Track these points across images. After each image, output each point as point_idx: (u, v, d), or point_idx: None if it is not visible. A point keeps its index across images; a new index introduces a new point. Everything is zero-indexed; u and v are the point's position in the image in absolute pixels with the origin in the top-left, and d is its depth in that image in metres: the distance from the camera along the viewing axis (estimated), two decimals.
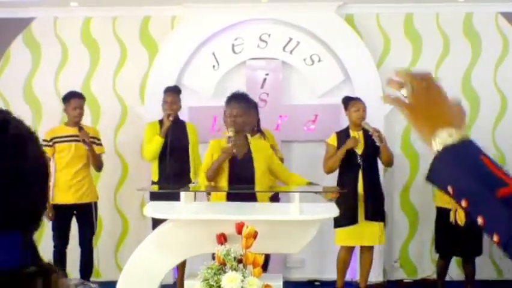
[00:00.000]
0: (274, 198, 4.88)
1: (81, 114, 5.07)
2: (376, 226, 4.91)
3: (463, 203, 0.99)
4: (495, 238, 0.95)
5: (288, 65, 5.74)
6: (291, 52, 5.67)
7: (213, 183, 4.13)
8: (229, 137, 4.06)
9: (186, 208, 3.57)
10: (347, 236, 4.91)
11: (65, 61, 5.86)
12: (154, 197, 4.85)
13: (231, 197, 4.11)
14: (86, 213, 5.08)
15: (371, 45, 5.60)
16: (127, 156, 5.88)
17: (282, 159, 5.13)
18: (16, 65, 5.84)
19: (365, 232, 4.90)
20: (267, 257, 5.23)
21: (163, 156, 5.05)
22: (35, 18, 5.84)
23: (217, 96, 5.70)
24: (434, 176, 1.04)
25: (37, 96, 5.83)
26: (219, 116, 5.55)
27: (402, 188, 5.82)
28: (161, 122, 5.13)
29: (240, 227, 3.19)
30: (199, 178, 4.27)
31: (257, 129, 5.04)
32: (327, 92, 5.66)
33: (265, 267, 5.27)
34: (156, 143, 4.99)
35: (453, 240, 4.92)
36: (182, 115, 5.72)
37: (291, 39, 5.65)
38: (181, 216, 3.53)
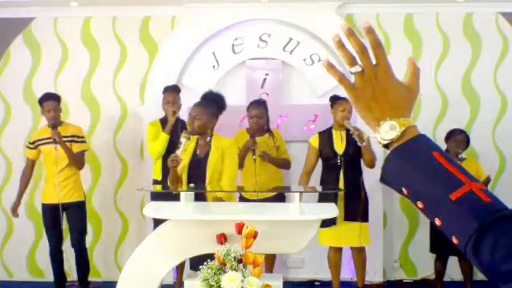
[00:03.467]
0: (279, 198, 4.91)
1: (56, 116, 5.07)
2: (355, 226, 4.86)
3: (419, 205, 0.93)
4: (455, 241, 0.91)
5: (288, 65, 5.74)
6: (291, 52, 5.67)
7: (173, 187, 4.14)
8: (179, 143, 3.97)
9: (186, 208, 3.57)
10: (328, 236, 4.89)
11: (65, 61, 5.86)
12: (155, 196, 4.86)
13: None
14: (72, 213, 5.09)
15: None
16: (127, 156, 5.88)
17: (288, 161, 5.22)
18: (16, 65, 5.84)
19: (344, 232, 4.87)
20: (273, 258, 5.25)
21: (166, 155, 5.05)
22: (35, 18, 5.84)
23: None
24: (387, 177, 0.98)
25: (37, 96, 5.81)
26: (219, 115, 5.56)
27: None
28: (162, 120, 5.13)
29: (240, 227, 3.19)
30: None
31: (266, 130, 5.10)
32: (327, 92, 5.65)
33: (271, 267, 5.28)
34: (162, 140, 4.99)
35: (448, 239, 4.85)
36: (182, 115, 5.74)
37: (291, 39, 5.65)
38: (181, 216, 3.53)
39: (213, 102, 4.20)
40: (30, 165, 5.22)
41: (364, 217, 4.92)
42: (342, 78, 1.02)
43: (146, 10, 5.79)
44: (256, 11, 5.70)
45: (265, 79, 5.73)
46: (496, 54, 5.77)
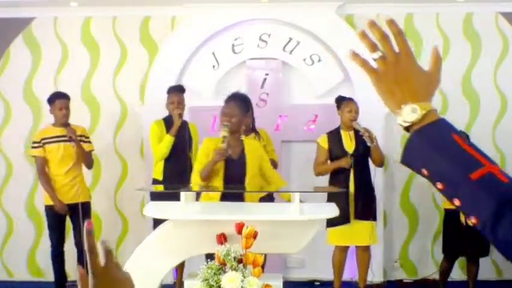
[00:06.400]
0: (269, 198, 4.86)
1: (67, 115, 5.05)
2: (367, 225, 4.89)
3: (439, 186, 0.96)
4: (473, 220, 0.93)
5: (288, 65, 5.74)
6: (291, 52, 5.67)
7: (204, 183, 4.09)
8: (223, 137, 4.00)
9: (186, 208, 3.57)
10: (339, 235, 4.90)
11: (65, 61, 5.86)
12: (155, 196, 4.86)
13: (225, 198, 4.09)
14: (78, 214, 5.07)
15: None
16: (127, 156, 5.88)
17: (275, 161, 5.09)
18: (16, 65, 5.84)
19: (356, 231, 4.89)
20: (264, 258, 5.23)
21: (169, 155, 5.05)
22: (35, 18, 5.84)
23: (217, 96, 5.70)
24: (407, 159, 1.01)
25: (37, 96, 5.83)
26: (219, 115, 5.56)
27: (402, 188, 5.82)
28: (165, 120, 5.11)
29: (240, 227, 3.20)
30: (192, 177, 4.20)
31: (251, 129, 5.01)
32: (327, 92, 5.66)
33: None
34: (168, 142, 4.98)
35: (462, 241, 4.89)
36: (184, 115, 5.73)
37: (291, 39, 5.65)
38: (181, 216, 3.53)
39: (243, 102, 4.19)
40: (43, 163, 5.03)
41: (374, 216, 4.94)
42: (364, 63, 1.05)
43: (146, 10, 5.78)
44: (256, 11, 5.70)
45: (265, 79, 5.74)
46: (496, 54, 5.77)
